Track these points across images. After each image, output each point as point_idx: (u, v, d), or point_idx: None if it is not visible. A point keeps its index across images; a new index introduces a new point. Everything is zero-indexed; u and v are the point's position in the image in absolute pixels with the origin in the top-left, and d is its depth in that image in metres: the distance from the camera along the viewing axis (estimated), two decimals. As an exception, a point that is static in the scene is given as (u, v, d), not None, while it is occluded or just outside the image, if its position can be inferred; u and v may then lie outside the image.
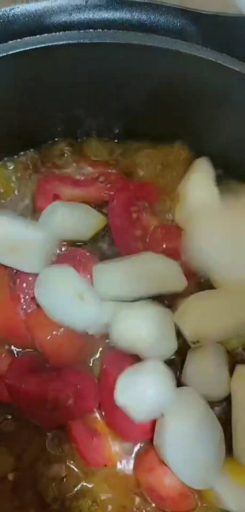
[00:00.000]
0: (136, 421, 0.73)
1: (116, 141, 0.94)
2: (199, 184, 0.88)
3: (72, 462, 0.79)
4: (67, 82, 0.78)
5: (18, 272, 0.81)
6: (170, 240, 0.85)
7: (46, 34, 0.70)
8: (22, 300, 0.80)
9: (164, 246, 0.85)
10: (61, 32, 0.70)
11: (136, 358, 0.78)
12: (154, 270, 0.81)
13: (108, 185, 0.87)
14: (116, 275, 0.80)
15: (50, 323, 0.77)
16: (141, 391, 0.73)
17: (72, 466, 0.79)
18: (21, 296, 0.80)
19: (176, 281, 0.82)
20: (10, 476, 0.78)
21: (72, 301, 0.77)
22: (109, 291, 0.80)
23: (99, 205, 0.88)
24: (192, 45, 0.71)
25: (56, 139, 0.94)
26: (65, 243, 0.85)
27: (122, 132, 0.93)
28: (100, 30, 0.72)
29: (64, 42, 0.70)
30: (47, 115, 0.86)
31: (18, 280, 0.80)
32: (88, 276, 0.81)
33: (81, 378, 0.79)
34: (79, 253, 0.82)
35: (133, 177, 0.90)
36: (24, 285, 0.80)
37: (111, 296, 0.80)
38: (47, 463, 0.78)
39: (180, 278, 0.81)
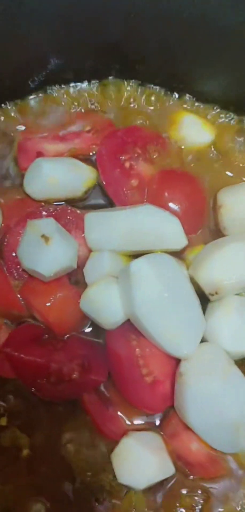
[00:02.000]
0: None
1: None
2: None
3: (89, 435, 0.74)
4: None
5: (6, 243, 0.76)
6: (171, 188, 0.78)
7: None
8: (13, 271, 0.75)
9: (166, 195, 0.77)
10: None
11: (138, 331, 0.71)
12: (151, 224, 0.74)
13: (95, 134, 0.81)
14: (107, 226, 0.74)
15: (46, 289, 0.72)
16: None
17: (90, 440, 0.74)
18: (12, 266, 0.75)
19: (175, 238, 0.75)
20: (25, 453, 0.74)
21: (37, 243, 0.71)
22: (100, 242, 0.75)
23: (89, 158, 0.82)
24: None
25: (33, 93, 0.87)
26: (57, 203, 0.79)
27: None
28: None
29: None
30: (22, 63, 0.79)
31: (6, 251, 0.75)
32: (82, 235, 0.75)
33: (88, 349, 0.74)
34: (69, 211, 0.77)
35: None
36: (13, 254, 0.75)
37: (102, 247, 0.74)
38: (61, 439, 0.74)
39: (181, 235, 0.75)
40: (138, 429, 0.74)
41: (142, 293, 0.67)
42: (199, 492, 0.74)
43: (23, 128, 0.83)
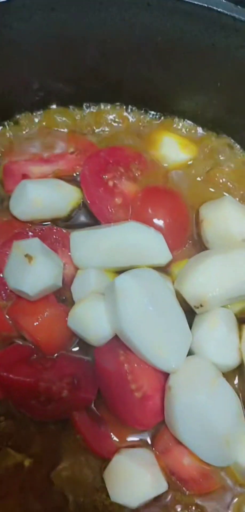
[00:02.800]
0: None
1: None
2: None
3: (81, 454, 0.73)
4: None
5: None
6: (155, 204, 0.79)
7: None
8: (1, 292, 0.75)
9: (150, 211, 0.79)
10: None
11: (126, 347, 0.72)
12: (136, 241, 0.75)
13: (79, 156, 0.82)
14: (93, 243, 0.75)
15: (33, 309, 0.73)
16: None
17: (83, 459, 0.73)
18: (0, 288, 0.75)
19: (160, 254, 0.76)
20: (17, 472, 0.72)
21: (21, 263, 0.72)
22: (86, 260, 0.75)
23: (73, 179, 0.83)
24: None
25: (17, 115, 0.89)
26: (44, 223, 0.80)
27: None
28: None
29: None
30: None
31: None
32: (69, 254, 0.76)
33: (77, 367, 0.74)
34: (54, 230, 0.78)
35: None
36: (0, 275, 0.75)
37: (88, 265, 0.75)
38: (53, 459, 0.73)
39: (165, 251, 0.76)
40: (130, 446, 0.74)
41: (127, 308, 0.67)
42: (193, 508, 0.73)
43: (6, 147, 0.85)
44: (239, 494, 0.74)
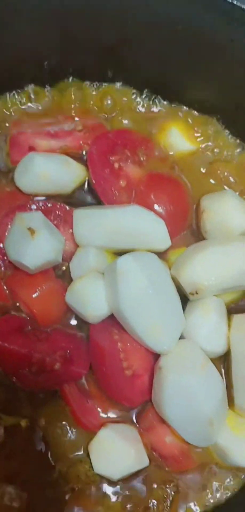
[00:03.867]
0: None
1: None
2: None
3: (67, 425, 0.76)
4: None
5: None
6: (158, 191, 0.80)
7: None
8: (0, 262, 0.76)
9: (152, 197, 0.80)
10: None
11: (120, 326, 0.74)
12: (137, 224, 0.76)
13: (87, 134, 0.82)
14: (95, 222, 0.75)
15: (32, 281, 0.73)
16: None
17: (68, 430, 0.76)
18: None
19: (160, 240, 0.78)
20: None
21: (23, 236, 0.72)
22: (87, 238, 0.76)
23: (80, 157, 0.83)
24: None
25: (27, 86, 0.87)
26: (45, 198, 0.80)
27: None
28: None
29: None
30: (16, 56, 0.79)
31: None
32: (70, 231, 0.77)
33: (71, 341, 0.75)
34: (58, 206, 0.78)
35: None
36: (1, 245, 0.75)
37: (88, 243, 0.76)
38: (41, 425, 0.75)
39: (165, 238, 0.78)
40: (115, 421, 0.76)
41: (127, 289, 0.69)
42: (171, 485, 0.77)
43: (15, 118, 0.83)
44: (216, 473, 0.78)
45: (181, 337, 0.75)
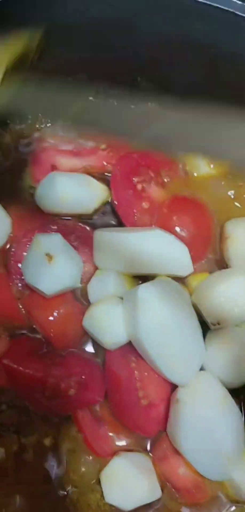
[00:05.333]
0: None
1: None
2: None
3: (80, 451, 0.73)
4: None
5: (13, 253, 0.76)
6: (180, 213, 0.78)
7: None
8: (17, 282, 0.75)
9: (175, 219, 0.78)
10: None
11: (138, 354, 0.71)
12: (159, 249, 0.74)
13: (111, 154, 0.81)
14: (116, 245, 0.74)
15: (49, 303, 0.72)
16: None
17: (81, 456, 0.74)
18: (16, 277, 0.74)
19: (182, 265, 0.75)
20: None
21: (40, 261, 0.71)
22: (107, 261, 0.75)
23: (102, 177, 0.82)
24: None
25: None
26: (67, 218, 0.79)
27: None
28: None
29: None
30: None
31: (12, 261, 0.75)
32: (90, 252, 0.75)
33: (86, 367, 0.73)
34: (78, 227, 0.77)
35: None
36: (19, 265, 0.74)
37: (108, 266, 0.75)
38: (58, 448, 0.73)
39: (188, 264, 0.75)
40: (128, 450, 0.74)
41: (147, 318, 0.67)
42: (183, 517, 0.75)
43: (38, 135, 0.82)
44: (229, 507, 0.76)
45: (201, 368, 0.72)
